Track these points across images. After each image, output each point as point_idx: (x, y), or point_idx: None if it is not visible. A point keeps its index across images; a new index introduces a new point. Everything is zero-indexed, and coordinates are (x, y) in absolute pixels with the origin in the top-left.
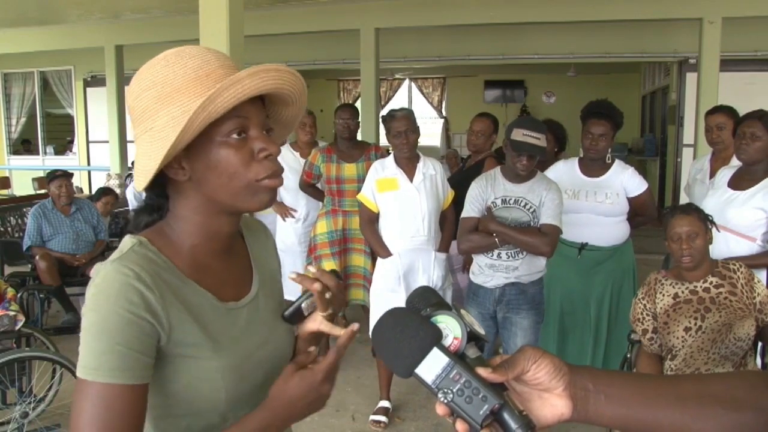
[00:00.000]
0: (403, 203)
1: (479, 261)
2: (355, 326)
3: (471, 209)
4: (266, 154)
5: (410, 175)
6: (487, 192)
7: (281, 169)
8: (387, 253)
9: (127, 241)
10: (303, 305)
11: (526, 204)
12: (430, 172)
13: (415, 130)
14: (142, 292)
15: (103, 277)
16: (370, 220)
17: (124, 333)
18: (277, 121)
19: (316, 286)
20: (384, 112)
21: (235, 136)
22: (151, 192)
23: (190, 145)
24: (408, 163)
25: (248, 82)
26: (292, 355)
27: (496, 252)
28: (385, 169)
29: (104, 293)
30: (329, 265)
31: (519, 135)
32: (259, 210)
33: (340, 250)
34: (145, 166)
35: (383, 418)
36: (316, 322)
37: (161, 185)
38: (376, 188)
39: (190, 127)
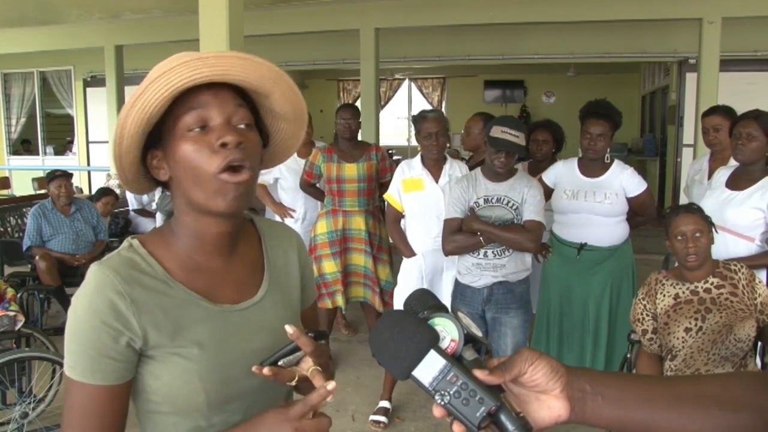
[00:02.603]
0: (427, 204)
1: (465, 261)
2: (331, 386)
3: (454, 210)
4: (220, 143)
5: (436, 177)
6: (469, 192)
7: (245, 159)
8: (411, 253)
9: (123, 244)
10: (282, 362)
11: (508, 202)
12: (456, 174)
13: (445, 133)
14: (112, 299)
15: (87, 280)
16: (396, 219)
17: (91, 339)
18: (274, 116)
19: (312, 351)
20: (380, 110)
21: (197, 129)
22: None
23: (164, 144)
24: (435, 165)
25: (177, 72)
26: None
27: (482, 251)
28: (412, 169)
29: (81, 296)
30: (329, 265)
31: (498, 132)
32: (226, 212)
33: (341, 250)
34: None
35: (383, 419)
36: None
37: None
38: (402, 188)
39: (125, 124)
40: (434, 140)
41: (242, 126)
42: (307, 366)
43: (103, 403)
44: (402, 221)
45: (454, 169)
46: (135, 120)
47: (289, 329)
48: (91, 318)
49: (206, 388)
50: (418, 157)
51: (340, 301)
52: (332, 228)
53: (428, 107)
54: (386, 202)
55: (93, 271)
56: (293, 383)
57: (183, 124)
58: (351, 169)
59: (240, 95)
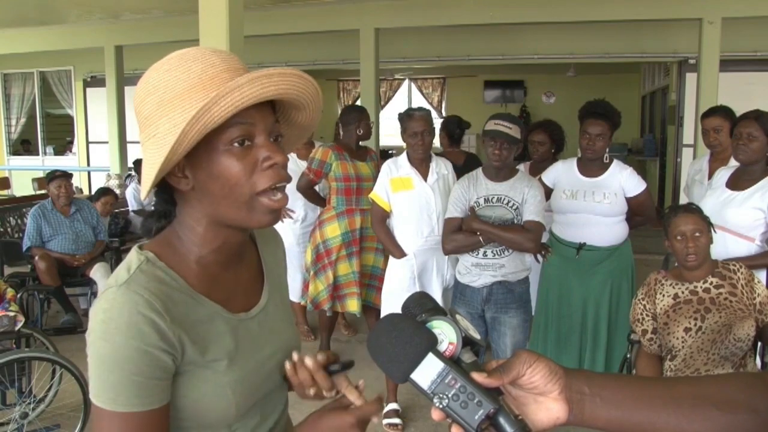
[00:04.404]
0: (418, 203)
1: (465, 261)
2: (378, 406)
3: (454, 210)
4: (270, 164)
5: (424, 175)
6: (470, 192)
7: (288, 180)
8: (401, 254)
9: (134, 258)
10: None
11: (509, 202)
12: (443, 171)
13: (432, 132)
14: (154, 320)
15: (111, 303)
16: (383, 219)
17: (139, 364)
18: (291, 124)
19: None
20: (380, 110)
21: (237, 144)
22: (158, 198)
23: (193, 153)
24: (421, 163)
25: (247, 90)
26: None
27: (481, 251)
28: (400, 168)
29: (115, 322)
30: (344, 267)
31: (491, 125)
32: (260, 227)
33: (358, 250)
34: (148, 175)
35: (398, 420)
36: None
37: (168, 191)
38: (390, 188)
39: (185, 138)
40: (420, 139)
41: (273, 140)
42: (345, 384)
43: (152, 427)
44: (387, 221)
45: (440, 167)
46: (196, 135)
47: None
48: (135, 342)
49: (237, 400)
50: (404, 156)
51: (350, 305)
52: (347, 228)
53: (428, 107)
54: (371, 202)
55: (121, 294)
56: (329, 394)
57: (226, 138)
58: (365, 168)
59: (272, 107)
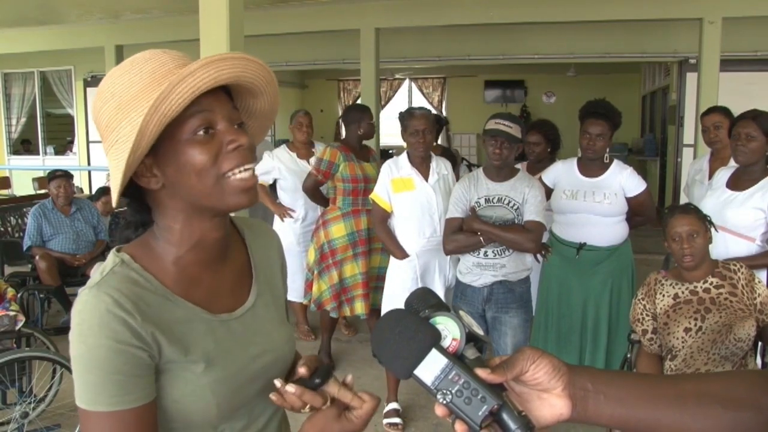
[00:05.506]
0: (420, 203)
1: (466, 261)
2: (375, 398)
3: (455, 210)
4: (235, 146)
5: (425, 175)
6: (471, 192)
7: (254, 161)
8: (403, 254)
9: (110, 260)
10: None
11: (509, 202)
12: (443, 171)
13: (432, 131)
14: (124, 318)
15: (84, 305)
16: (384, 219)
17: (115, 362)
18: (250, 114)
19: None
20: (380, 110)
21: (201, 133)
22: (131, 207)
23: (159, 150)
24: (422, 163)
25: (201, 74)
26: (292, 366)
27: (482, 251)
28: (400, 169)
29: (87, 323)
30: (350, 267)
31: (491, 124)
32: (238, 209)
33: (365, 251)
34: (115, 180)
35: (398, 420)
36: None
37: (140, 198)
38: (391, 188)
39: (146, 130)
40: (421, 137)
41: (236, 126)
42: (336, 388)
43: (137, 426)
44: (388, 221)
45: (440, 167)
46: (156, 125)
47: (273, 397)
48: (107, 341)
49: (218, 401)
50: (405, 156)
51: (358, 308)
52: (354, 229)
53: (428, 107)
54: (372, 203)
55: (92, 295)
56: (324, 406)
57: (188, 128)
58: (369, 168)
59: (228, 96)
